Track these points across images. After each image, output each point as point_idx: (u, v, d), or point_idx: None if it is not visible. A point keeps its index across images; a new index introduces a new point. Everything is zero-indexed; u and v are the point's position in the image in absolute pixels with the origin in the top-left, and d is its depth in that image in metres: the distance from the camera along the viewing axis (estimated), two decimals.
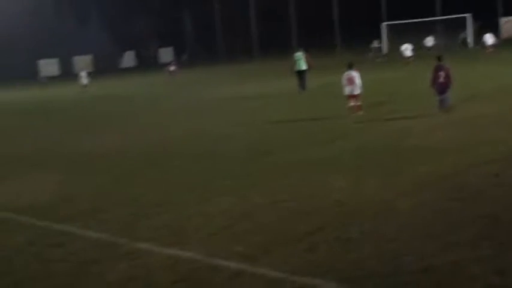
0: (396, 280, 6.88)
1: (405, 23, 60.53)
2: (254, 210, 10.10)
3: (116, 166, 15.39)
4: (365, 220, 9.08)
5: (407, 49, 46.73)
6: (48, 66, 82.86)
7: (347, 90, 20.72)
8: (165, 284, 7.36)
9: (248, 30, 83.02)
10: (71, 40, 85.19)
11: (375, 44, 58.33)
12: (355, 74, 20.70)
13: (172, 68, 54.41)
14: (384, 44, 62.97)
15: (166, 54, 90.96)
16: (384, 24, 65.83)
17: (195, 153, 16.12)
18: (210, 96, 33.40)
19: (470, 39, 59.31)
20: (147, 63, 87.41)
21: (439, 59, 19.60)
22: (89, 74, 50.53)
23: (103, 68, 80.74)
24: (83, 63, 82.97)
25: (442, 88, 19.05)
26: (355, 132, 17.27)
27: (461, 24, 59.37)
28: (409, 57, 45.67)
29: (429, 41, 58.80)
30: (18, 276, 8.04)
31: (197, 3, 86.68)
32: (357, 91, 20.54)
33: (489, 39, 51.26)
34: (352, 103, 20.63)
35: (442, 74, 18.98)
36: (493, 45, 50.65)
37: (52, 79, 72.37)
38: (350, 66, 21.05)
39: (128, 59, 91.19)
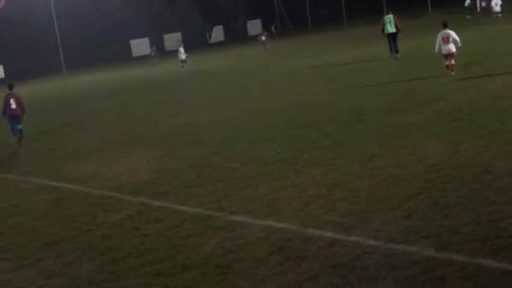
0: (494, 244, 6.67)
1: None
2: (347, 179, 10.02)
3: (210, 140, 15.56)
4: (462, 184, 8.85)
5: (497, 4, 45.04)
6: (140, 46, 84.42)
7: (444, 49, 20.68)
8: (261, 255, 7.39)
9: None
10: (160, 19, 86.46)
11: (468, 2, 55.85)
12: (451, 33, 20.68)
13: (263, 38, 54.47)
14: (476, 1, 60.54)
15: (254, 26, 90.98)
16: None
17: (286, 124, 16.09)
18: (304, 64, 33.26)
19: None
20: (236, 37, 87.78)
21: None
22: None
23: (193, 45, 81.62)
24: (173, 41, 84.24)
25: None
26: (451, 93, 16.81)
27: None
28: (497, 13, 44.13)
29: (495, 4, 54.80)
30: (118, 252, 8.26)
31: None
32: (453, 49, 20.48)
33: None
34: (448, 62, 20.58)
35: None
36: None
37: (144, 57, 73.89)
38: (445, 25, 21.08)
39: (217, 34, 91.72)
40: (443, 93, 17.00)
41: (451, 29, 20.90)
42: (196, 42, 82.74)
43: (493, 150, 10.40)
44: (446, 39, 20.60)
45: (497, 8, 45.11)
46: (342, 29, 69.05)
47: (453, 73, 20.18)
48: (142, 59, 69.45)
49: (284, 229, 8.15)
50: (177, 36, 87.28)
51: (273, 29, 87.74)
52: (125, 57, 77.88)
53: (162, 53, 70.81)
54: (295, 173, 10.95)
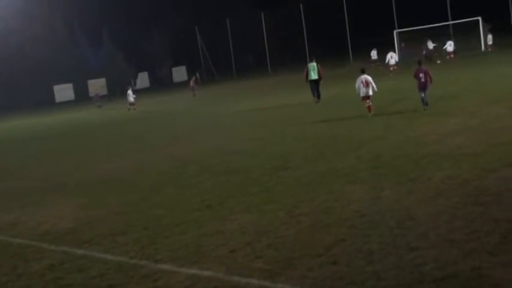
0: None
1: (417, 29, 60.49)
2: (274, 225, 10.06)
3: (135, 186, 15.41)
4: (386, 230, 9.01)
5: (451, 45, 47.57)
6: (64, 91, 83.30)
7: (363, 91, 22.78)
8: None
9: (260, 45, 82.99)
10: (84, 64, 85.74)
11: (430, 44, 56.17)
12: (368, 77, 22.92)
13: (191, 83, 54.90)
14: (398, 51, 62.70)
15: (179, 73, 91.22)
16: (396, 31, 65.61)
17: (213, 170, 16.09)
18: (229, 110, 33.48)
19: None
20: (161, 83, 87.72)
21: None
22: (104, 97, 50.05)
23: (117, 91, 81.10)
24: (97, 87, 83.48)
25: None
26: (373, 140, 17.18)
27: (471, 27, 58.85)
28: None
29: (449, 45, 57.23)
30: None
31: (209, 22, 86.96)
32: (371, 92, 22.70)
33: (449, 45, 50.92)
34: (367, 104, 22.54)
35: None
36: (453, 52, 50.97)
37: (67, 104, 72.92)
38: (363, 71, 23.34)
39: (142, 80, 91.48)
40: (365, 140, 17.36)
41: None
42: (121, 88, 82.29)
43: (415, 196, 10.66)
44: (365, 83, 22.76)
45: (393, 61, 46.82)
46: (266, 76, 70.00)
47: (370, 114, 22.21)
48: (67, 104, 68.49)
49: (210, 277, 8.10)
50: (102, 81, 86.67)
51: (197, 76, 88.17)
52: (48, 102, 76.51)
53: (85, 99, 70.20)
54: (221, 219, 10.93)
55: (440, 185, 11.25)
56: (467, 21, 58.99)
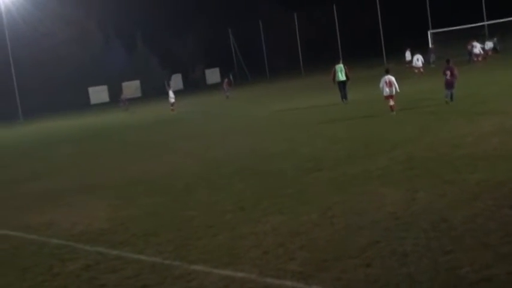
0: None
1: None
2: (307, 227, 10.03)
3: (168, 188, 15.49)
4: (420, 232, 8.93)
5: (418, 59, 46.01)
6: (98, 93, 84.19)
7: (386, 91, 23.87)
8: None
9: (293, 46, 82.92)
10: (119, 66, 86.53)
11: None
12: (392, 78, 23.86)
13: (225, 85, 54.93)
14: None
15: (213, 75, 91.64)
16: (430, 32, 65.13)
17: (245, 172, 16.10)
18: (262, 112, 33.52)
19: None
20: (194, 85, 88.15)
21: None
22: (130, 100, 50.22)
23: (151, 92, 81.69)
24: (131, 89, 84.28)
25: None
26: (406, 142, 17.04)
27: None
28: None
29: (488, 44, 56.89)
30: None
31: (241, 23, 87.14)
32: (393, 92, 23.75)
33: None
34: (390, 103, 23.67)
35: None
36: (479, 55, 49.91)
37: (102, 105, 73.62)
38: (387, 71, 24.46)
39: (175, 82, 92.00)
40: (399, 142, 17.23)
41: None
42: (155, 90, 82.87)
43: (449, 199, 10.55)
44: (389, 83, 23.78)
45: (419, 63, 45.92)
46: (299, 77, 69.92)
47: (394, 113, 23.25)
48: (101, 106, 69.14)
49: (243, 278, 8.10)
50: (136, 84, 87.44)
51: (231, 77, 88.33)
52: (83, 104, 77.38)
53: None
54: (254, 221, 10.93)
55: (475, 187, 11.12)
56: (504, 21, 58.33)
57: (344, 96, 31.50)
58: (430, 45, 60.97)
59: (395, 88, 23.78)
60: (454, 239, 8.45)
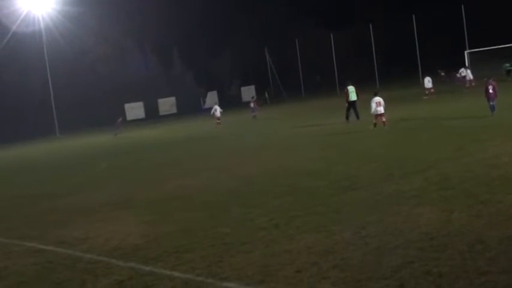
0: None
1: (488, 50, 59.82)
2: (340, 246, 9.98)
3: (202, 204, 15.53)
4: (455, 253, 8.82)
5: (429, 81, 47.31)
6: (134, 109, 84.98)
7: (377, 110, 28.01)
8: None
9: (329, 65, 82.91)
10: (154, 83, 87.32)
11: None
12: (381, 99, 28.21)
13: (252, 105, 54.34)
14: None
15: (248, 92, 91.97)
16: (467, 52, 64.71)
17: (279, 189, 16.09)
18: (296, 130, 33.53)
19: None
20: (230, 102, 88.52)
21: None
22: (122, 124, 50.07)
23: (186, 109, 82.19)
24: (166, 106, 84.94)
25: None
26: (441, 162, 16.89)
27: None
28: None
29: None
30: None
31: (278, 41, 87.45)
32: (383, 111, 28.01)
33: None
34: (379, 120, 27.94)
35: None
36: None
37: (138, 121, 74.24)
38: (376, 94, 28.77)
39: (211, 99, 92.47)
40: (434, 162, 17.08)
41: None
42: (190, 107, 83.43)
43: (485, 220, 10.41)
44: (378, 103, 28.02)
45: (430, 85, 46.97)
46: (335, 96, 69.73)
47: (386, 127, 27.38)
48: (137, 122, 69.64)
49: None
50: (171, 100, 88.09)
51: (266, 95, 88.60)
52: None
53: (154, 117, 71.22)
54: (287, 239, 10.90)
55: (511, 208, 10.95)
56: None
57: (357, 116, 33.44)
58: (467, 65, 60.68)
59: (384, 107, 27.97)
60: (490, 261, 8.33)
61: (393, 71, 73.14)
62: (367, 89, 39.30)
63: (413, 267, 8.45)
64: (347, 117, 33.90)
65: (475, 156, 17.24)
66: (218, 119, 48.36)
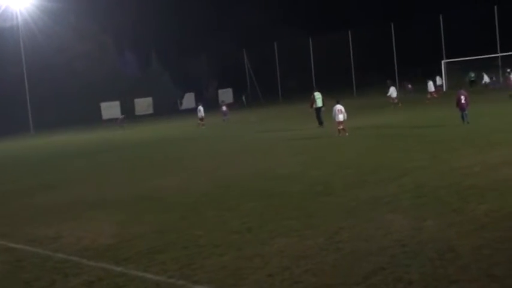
0: None
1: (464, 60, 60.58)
2: (313, 251, 9.99)
3: (176, 206, 15.47)
4: (426, 261, 8.87)
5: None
6: (111, 109, 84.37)
7: (339, 117, 28.83)
8: None
9: (307, 70, 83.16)
10: (132, 82, 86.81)
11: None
12: (342, 107, 28.95)
13: (224, 108, 54.16)
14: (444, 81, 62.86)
15: (226, 95, 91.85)
16: (444, 61, 65.37)
17: (253, 193, 16.08)
18: (272, 134, 33.56)
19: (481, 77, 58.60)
20: (208, 104, 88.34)
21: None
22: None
23: (163, 110, 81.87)
24: (143, 106, 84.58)
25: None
26: (416, 170, 17.00)
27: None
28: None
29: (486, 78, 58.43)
30: None
31: (257, 45, 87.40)
32: (342, 119, 28.73)
33: (431, 86, 50.83)
34: (340, 127, 28.69)
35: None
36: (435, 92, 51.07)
37: (113, 121, 73.76)
38: (337, 102, 29.59)
39: (188, 100, 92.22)
40: (408, 169, 17.19)
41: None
42: (167, 108, 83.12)
43: (457, 228, 10.49)
44: (339, 111, 28.78)
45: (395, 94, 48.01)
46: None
47: (347, 134, 28.21)
48: (113, 121, 69.30)
49: None
50: (148, 100, 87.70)
51: (243, 99, 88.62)
52: (94, 119, 77.48)
53: (130, 117, 70.83)
54: (260, 243, 10.89)
55: (484, 217, 11.06)
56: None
57: (321, 122, 34.44)
58: (443, 74, 61.54)
59: (344, 115, 28.71)
60: (460, 269, 8.39)
61: (370, 78, 73.43)
62: (343, 95, 39.48)
63: (384, 274, 8.49)
64: (320, 122, 34.52)
65: (448, 165, 17.39)
66: (201, 119, 48.62)
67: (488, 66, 59.51)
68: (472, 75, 61.72)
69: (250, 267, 9.47)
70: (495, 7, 64.97)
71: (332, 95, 34.51)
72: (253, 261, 9.78)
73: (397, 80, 70.13)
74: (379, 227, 11.14)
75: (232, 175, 19.95)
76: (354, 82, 77.60)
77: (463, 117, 27.69)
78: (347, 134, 28.27)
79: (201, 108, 49.99)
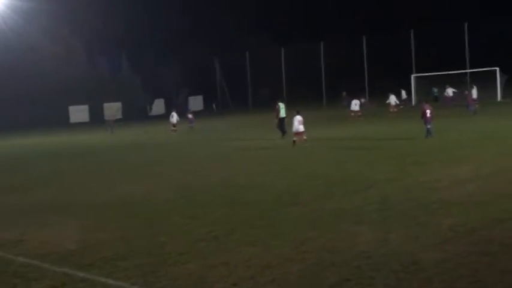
0: None
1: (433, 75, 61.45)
2: (279, 261, 9.98)
3: (142, 212, 15.37)
4: (390, 273, 8.93)
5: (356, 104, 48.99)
6: (79, 113, 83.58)
7: (299, 128, 29.51)
8: None
9: (278, 80, 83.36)
10: (101, 87, 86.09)
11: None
12: (301, 118, 29.55)
13: (190, 116, 54.47)
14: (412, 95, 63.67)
15: (196, 102, 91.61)
16: (413, 76, 66.18)
17: (220, 201, 16.04)
18: (241, 144, 33.53)
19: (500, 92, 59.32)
20: (178, 111, 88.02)
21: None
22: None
23: (132, 116, 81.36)
24: (112, 110, 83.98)
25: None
26: (382, 182, 17.11)
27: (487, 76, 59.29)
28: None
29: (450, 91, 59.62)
30: None
31: (228, 53, 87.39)
32: (302, 129, 29.47)
33: (393, 99, 51.80)
34: (299, 137, 29.39)
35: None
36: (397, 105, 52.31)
37: (81, 125, 73.17)
38: (298, 112, 30.00)
39: (158, 106, 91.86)
40: (375, 182, 17.30)
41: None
42: (136, 113, 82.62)
43: (422, 241, 10.57)
44: (300, 122, 29.41)
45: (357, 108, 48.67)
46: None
47: (307, 144, 28.56)
48: (81, 125, 68.67)
49: None
50: (117, 105, 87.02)
51: (214, 106, 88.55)
52: (62, 122, 76.65)
53: (99, 122, 70.18)
54: (226, 251, 10.86)
55: (448, 231, 11.16)
56: (485, 70, 59.28)
57: (284, 132, 34.35)
58: (412, 88, 62.35)
59: (303, 125, 29.34)
60: (423, 282, 8.45)
61: (340, 90, 73.83)
62: (313, 106, 39.65)
63: (349, 285, 8.52)
64: (283, 132, 34.59)
65: (414, 178, 17.53)
66: (174, 126, 49.33)
67: (457, 82, 60.26)
68: (435, 90, 62.65)
69: (215, 276, 9.44)
70: (465, 24, 65.87)
71: (295, 106, 34.21)
72: (219, 270, 9.74)
73: (367, 93, 70.70)
74: (345, 238, 11.18)
75: (200, 183, 19.90)
76: (324, 93, 78.00)
77: (427, 131, 28.09)
78: (307, 144, 28.57)
79: (174, 114, 50.86)
